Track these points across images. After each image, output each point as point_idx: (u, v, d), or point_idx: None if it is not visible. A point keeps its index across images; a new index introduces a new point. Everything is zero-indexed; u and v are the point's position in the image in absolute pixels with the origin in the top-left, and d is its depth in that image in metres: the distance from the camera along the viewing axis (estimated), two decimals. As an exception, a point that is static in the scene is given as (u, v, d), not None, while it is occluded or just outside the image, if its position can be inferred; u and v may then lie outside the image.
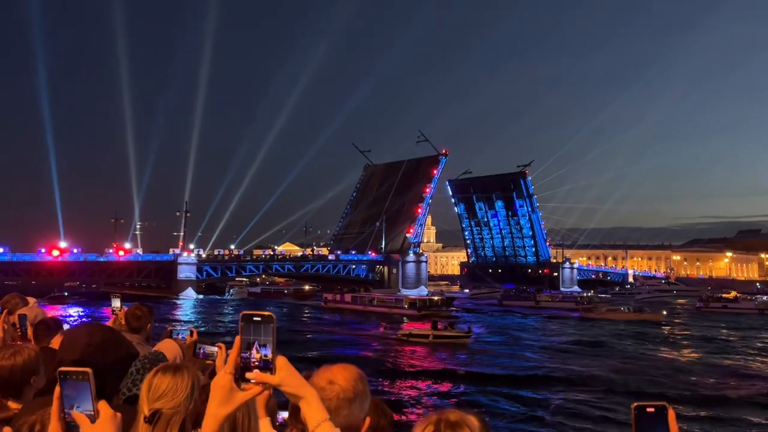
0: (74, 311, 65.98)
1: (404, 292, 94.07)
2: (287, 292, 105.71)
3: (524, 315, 74.38)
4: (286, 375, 1.83)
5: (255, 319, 1.83)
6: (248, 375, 1.81)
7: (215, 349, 4.02)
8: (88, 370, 2.27)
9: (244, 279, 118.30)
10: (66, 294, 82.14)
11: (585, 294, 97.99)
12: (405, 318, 65.09)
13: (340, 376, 2.28)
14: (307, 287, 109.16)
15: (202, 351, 4.08)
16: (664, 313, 71.11)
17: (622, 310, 71.67)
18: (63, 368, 2.34)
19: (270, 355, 1.82)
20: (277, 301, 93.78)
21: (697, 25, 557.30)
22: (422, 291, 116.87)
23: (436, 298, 77.67)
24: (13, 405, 2.89)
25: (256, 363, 1.81)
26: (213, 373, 4.18)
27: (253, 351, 1.81)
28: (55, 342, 4.12)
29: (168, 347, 3.76)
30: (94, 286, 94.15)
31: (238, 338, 1.83)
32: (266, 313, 1.84)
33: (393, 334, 49.54)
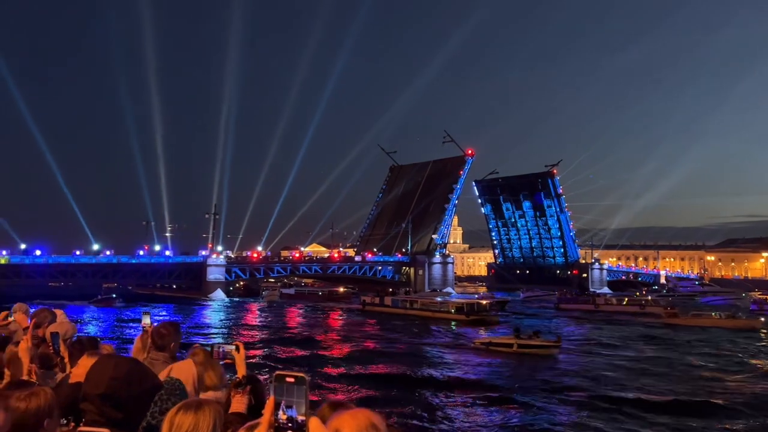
0: (125, 316, 64.29)
1: (455, 296, 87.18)
2: (321, 294, 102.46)
3: (589, 320, 68.24)
4: None
5: (288, 380, 1.85)
6: None
7: (232, 347, 4.11)
8: (106, 431, 2.32)
9: (272, 279, 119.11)
10: (114, 296, 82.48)
11: (650, 297, 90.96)
12: (453, 323, 62.14)
13: (347, 425, 2.21)
14: (341, 289, 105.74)
15: (221, 350, 4.16)
16: (762, 319, 64.65)
17: (713, 315, 64.70)
18: (82, 428, 2.39)
19: (298, 417, 1.82)
20: (311, 303, 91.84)
21: (727, 22, 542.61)
22: (449, 292, 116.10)
23: (484, 301, 72.10)
24: None
25: (284, 424, 1.82)
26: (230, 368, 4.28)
27: (280, 412, 1.83)
28: (82, 363, 4.19)
29: (184, 370, 3.81)
30: (129, 287, 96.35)
31: (271, 399, 1.85)
32: (299, 374, 1.86)
33: (467, 342, 46.18)
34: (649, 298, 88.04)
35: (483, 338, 45.27)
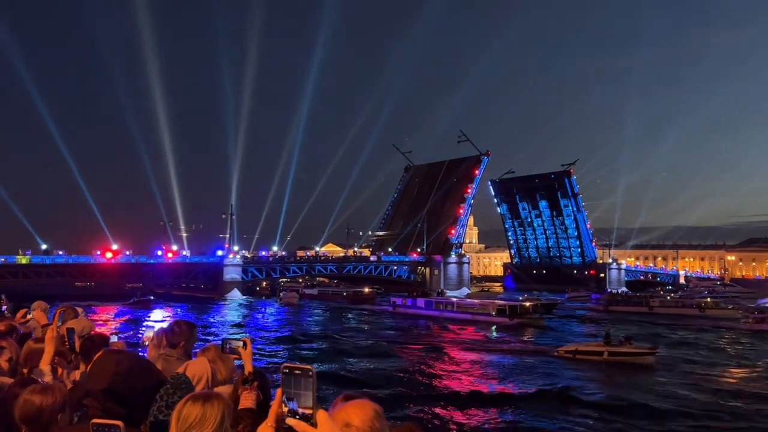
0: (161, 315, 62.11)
1: (500, 301, 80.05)
2: (346, 294, 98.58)
3: (651, 324, 62.77)
4: (326, 431, 1.84)
5: (296, 372, 1.88)
6: (288, 421, 1.85)
7: (240, 343, 4.18)
8: (120, 423, 2.38)
9: (288, 279, 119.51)
10: (151, 298, 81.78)
11: (707, 297, 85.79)
12: (493, 327, 58.65)
13: (356, 417, 2.27)
14: (367, 289, 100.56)
15: (228, 347, 4.25)
16: None
17: None
18: (96, 420, 2.45)
19: (299, 409, 1.85)
20: (335, 304, 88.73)
21: (751, 19, 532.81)
22: (464, 292, 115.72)
23: (527, 304, 67.11)
24: None
25: (288, 416, 1.85)
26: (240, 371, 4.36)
27: (282, 404, 1.87)
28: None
29: (199, 367, 3.85)
30: (151, 287, 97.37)
31: (279, 390, 1.88)
32: (306, 366, 1.89)
33: (549, 349, 42.48)
34: (708, 299, 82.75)
35: (568, 345, 42.00)
